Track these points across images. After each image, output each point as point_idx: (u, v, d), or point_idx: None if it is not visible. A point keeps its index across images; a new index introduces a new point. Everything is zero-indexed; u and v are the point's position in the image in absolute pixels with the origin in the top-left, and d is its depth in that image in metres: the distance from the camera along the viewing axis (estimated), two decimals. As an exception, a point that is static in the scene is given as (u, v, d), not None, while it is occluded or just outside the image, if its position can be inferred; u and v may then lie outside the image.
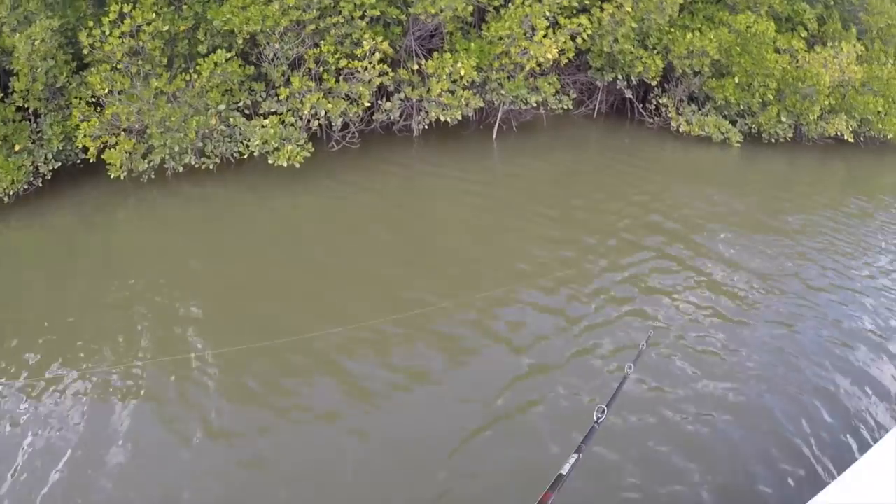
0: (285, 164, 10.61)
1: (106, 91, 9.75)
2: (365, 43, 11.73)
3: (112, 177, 9.70)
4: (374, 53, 11.89)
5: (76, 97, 10.03)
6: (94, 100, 10.08)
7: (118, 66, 9.84)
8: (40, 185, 10.01)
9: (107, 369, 6.43)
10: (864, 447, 6.54)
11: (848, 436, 6.87)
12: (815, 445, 6.53)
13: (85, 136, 9.64)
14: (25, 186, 9.76)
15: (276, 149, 10.64)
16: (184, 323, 7.26)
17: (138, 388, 6.22)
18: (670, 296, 9.15)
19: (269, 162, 10.64)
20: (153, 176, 10.15)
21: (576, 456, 1.29)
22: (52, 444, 5.63)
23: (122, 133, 9.89)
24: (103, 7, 10.22)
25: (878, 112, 18.96)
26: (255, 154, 10.68)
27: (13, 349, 6.84)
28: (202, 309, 7.56)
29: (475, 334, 7.70)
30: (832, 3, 20.10)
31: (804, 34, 18.75)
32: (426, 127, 13.96)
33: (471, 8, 13.47)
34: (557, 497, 1.02)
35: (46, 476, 5.29)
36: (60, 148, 9.82)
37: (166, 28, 10.09)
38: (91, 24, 9.68)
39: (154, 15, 9.85)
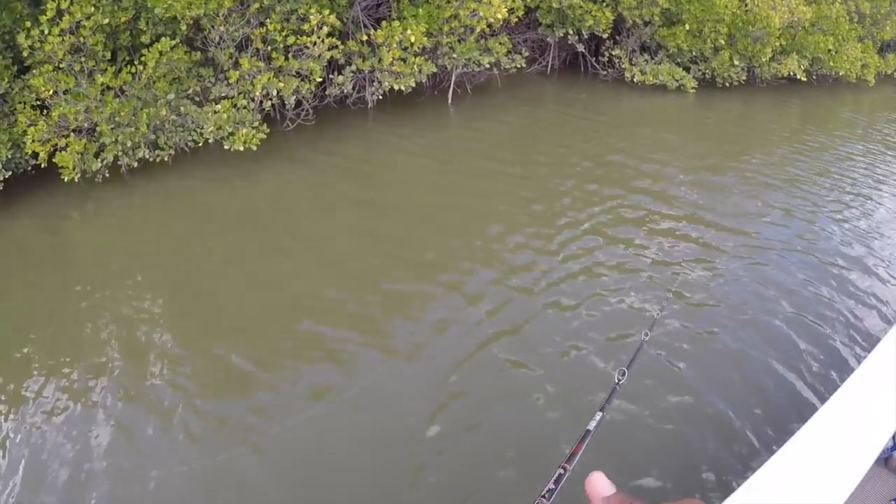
0: (241, 149, 10.47)
1: (51, 92, 9.48)
2: (312, 17, 11.53)
3: (66, 180, 9.45)
4: (321, 28, 11.69)
5: (20, 102, 9.71)
6: (38, 103, 9.77)
7: (61, 66, 9.56)
8: (-8, 196, 9.79)
9: (76, 378, 6.34)
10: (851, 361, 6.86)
11: (831, 354, 7.19)
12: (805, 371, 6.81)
13: (33, 141, 9.36)
14: (-24, 198, 9.53)
15: (231, 133, 10.49)
16: (151, 323, 7.17)
17: (108, 396, 6.14)
18: (637, 244, 9.33)
19: (225, 147, 10.49)
20: (107, 175, 9.94)
21: (601, 414, 1.39)
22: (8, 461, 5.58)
23: (72, 134, 9.64)
24: (39, 6, 9.91)
25: (829, 50, 19.14)
26: (210, 141, 10.51)
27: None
28: (170, 307, 7.48)
29: (450, 298, 7.81)
30: (777, -57, 20.02)
31: (750, -23, 18.70)
32: (380, 97, 13.87)
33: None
34: (586, 449, 1.17)
35: None
36: (9, 157, 9.47)
37: (106, 21, 9.80)
38: (29, 24, 9.38)
39: (93, 8, 9.56)
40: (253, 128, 10.69)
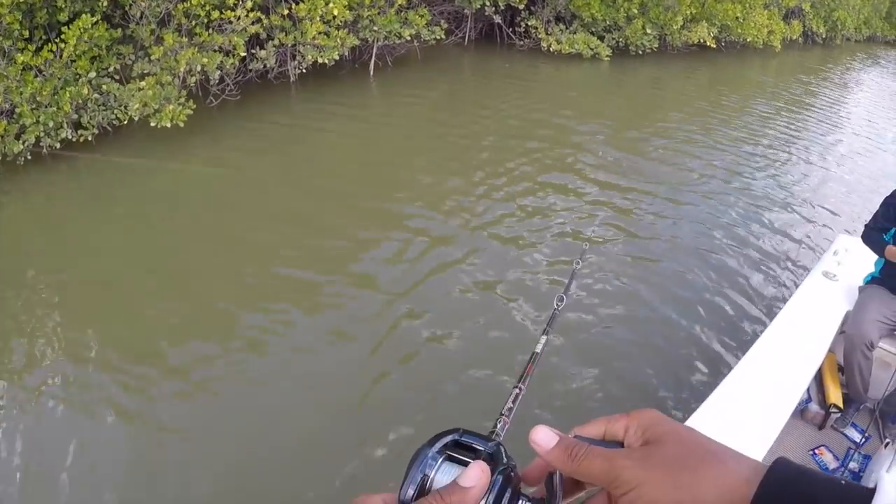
0: (169, 125, 10.27)
1: (-34, 73, 9.12)
2: (235, -9, 11.37)
3: None
4: (245, 1, 11.50)
5: None
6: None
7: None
8: None
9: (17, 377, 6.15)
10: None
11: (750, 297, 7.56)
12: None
13: None
14: None
15: (157, 111, 10.26)
16: (85, 315, 6.94)
17: (51, 391, 5.95)
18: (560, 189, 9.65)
19: (152, 125, 10.30)
20: (29, 157, 9.61)
21: (545, 338, 1.50)
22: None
23: (-6, 115, 9.30)
24: None
25: (737, 18, 19.77)
26: (136, 119, 10.27)
27: None
28: (100, 296, 7.23)
29: (383, 272, 7.84)
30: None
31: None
32: (303, 71, 13.73)
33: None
34: (535, 369, 1.30)
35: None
36: None
37: (19, -2, 9.43)
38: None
39: (8, -15, 9.21)
40: (179, 104, 10.49)
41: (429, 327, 6.79)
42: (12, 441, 5.24)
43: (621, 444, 0.77)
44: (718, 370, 6.08)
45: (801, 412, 5.02)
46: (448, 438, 0.81)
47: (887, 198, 5.10)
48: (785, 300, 6.35)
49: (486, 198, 9.77)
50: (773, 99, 17.80)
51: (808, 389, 4.89)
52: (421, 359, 6.35)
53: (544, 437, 0.78)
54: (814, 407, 5.04)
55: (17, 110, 9.42)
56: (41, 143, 9.76)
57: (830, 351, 4.94)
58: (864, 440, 4.95)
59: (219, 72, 11.65)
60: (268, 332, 6.65)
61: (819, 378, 5.13)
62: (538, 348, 1.43)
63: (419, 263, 7.97)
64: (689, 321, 6.96)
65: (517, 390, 1.14)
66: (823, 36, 29.02)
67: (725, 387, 4.04)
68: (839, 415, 4.98)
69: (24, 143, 9.41)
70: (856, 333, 4.70)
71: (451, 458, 0.78)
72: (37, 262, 7.74)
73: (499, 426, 1.01)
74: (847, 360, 4.83)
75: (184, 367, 6.16)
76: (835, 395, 4.93)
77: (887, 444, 4.69)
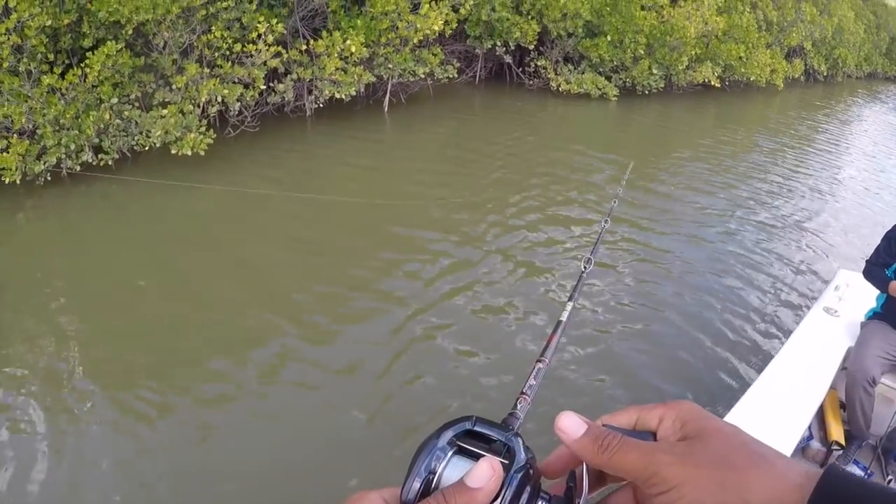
0: (189, 153, 10.21)
1: (-8, 93, 9.05)
2: (260, 25, 11.38)
3: (7, 181, 8.98)
4: (268, 35, 11.54)
5: None
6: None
7: (3, 65, 9.14)
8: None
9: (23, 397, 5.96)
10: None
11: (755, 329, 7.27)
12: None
13: None
14: None
15: (179, 139, 10.21)
16: (100, 334, 6.70)
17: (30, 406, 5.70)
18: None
19: (173, 152, 10.24)
20: (49, 178, 9.52)
21: (571, 304, 1.36)
22: None
23: (15, 135, 9.22)
24: None
25: (740, 57, 19.87)
26: (157, 145, 10.22)
27: None
28: (111, 318, 7.01)
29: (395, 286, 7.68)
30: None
31: (667, -10, 19.26)
32: (320, 106, 13.72)
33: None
34: (558, 340, 1.17)
35: None
36: None
37: (49, 23, 9.41)
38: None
39: (38, 9, 9.19)
40: (200, 133, 10.44)
41: (444, 340, 6.78)
42: (42, 454, 5.08)
43: (653, 437, 0.70)
44: (717, 410, 5.84)
45: (802, 450, 4.85)
46: (459, 427, 0.73)
47: (888, 232, 5.01)
48: (786, 336, 6.17)
49: (496, 226, 9.73)
50: (777, 135, 17.85)
51: (809, 427, 4.76)
52: (440, 366, 6.32)
53: (571, 425, 0.71)
54: (815, 444, 4.89)
55: (39, 131, 9.34)
56: (61, 165, 9.67)
57: (832, 387, 4.84)
58: (867, 477, 4.75)
59: (238, 103, 11.64)
60: (284, 350, 6.51)
61: (820, 415, 4.99)
62: (563, 316, 1.32)
63: (432, 285, 7.90)
64: (689, 359, 6.75)
65: (540, 365, 1.04)
66: (825, 73, 29.24)
67: None
68: (841, 452, 4.82)
69: (44, 163, 9.33)
70: (857, 369, 4.60)
71: (462, 451, 0.71)
72: (53, 281, 7.54)
73: (519, 407, 0.90)
74: (849, 396, 4.71)
75: (200, 384, 5.97)
76: (836, 433, 4.80)
77: (890, 480, 4.61)
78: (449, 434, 0.71)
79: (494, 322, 7.24)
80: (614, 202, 2.85)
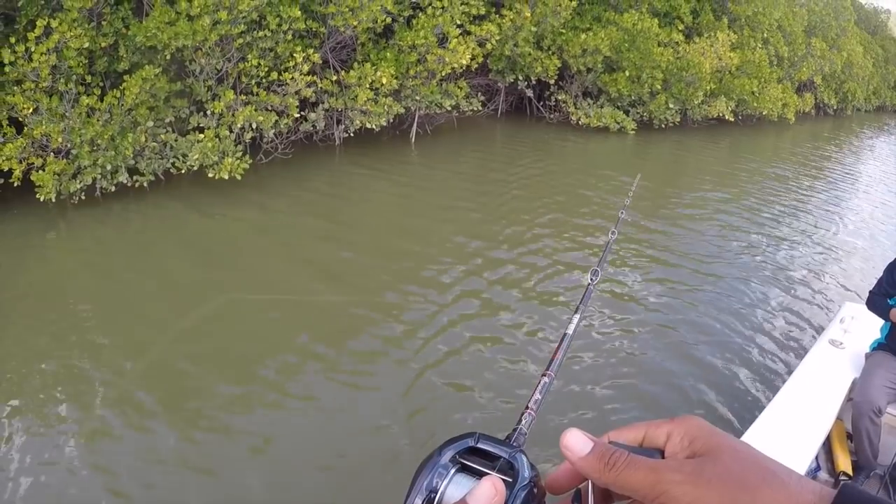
0: (226, 177, 9.96)
1: (30, 110, 8.79)
2: (296, 55, 11.20)
3: (42, 199, 8.70)
4: (304, 64, 11.37)
5: None
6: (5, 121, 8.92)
7: (42, 85, 8.90)
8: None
9: (30, 404, 5.54)
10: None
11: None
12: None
13: (9, 158, 8.59)
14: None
15: (216, 163, 9.98)
16: (127, 351, 6.26)
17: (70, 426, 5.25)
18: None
19: (210, 175, 9.92)
20: (83, 197, 9.25)
21: (577, 316, 1.25)
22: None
23: (52, 154, 8.97)
24: (11, 25, 9.21)
25: (753, 92, 19.72)
26: (195, 168, 9.97)
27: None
28: (143, 341, 6.68)
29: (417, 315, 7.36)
30: (704, -4, 20.64)
31: (681, 27, 19.16)
32: (350, 135, 13.51)
33: (388, 20, 13.09)
34: (565, 355, 1.07)
35: None
36: None
37: (86, 45, 9.17)
38: (14, 40, 8.70)
39: (79, 30, 8.97)
40: (236, 158, 10.21)
41: (452, 351, 6.56)
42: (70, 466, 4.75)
43: (661, 454, 0.67)
44: None
45: None
46: (461, 444, 0.69)
47: (891, 263, 4.92)
48: (792, 368, 6.00)
49: (512, 251, 9.44)
50: (787, 167, 17.60)
51: (816, 458, 4.67)
52: (447, 381, 6.03)
53: (577, 442, 0.67)
54: (823, 475, 4.75)
55: (74, 151, 9.05)
56: (96, 185, 9.38)
57: (838, 418, 4.73)
58: None
59: (272, 130, 11.43)
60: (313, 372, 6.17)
61: (828, 446, 4.87)
62: (570, 329, 1.19)
63: (449, 290, 7.78)
64: (694, 391, 6.37)
65: (545, 379, 0.97)
66: (835, 107, 29.10)
67: None
68: (849, 482, 4.50)
69: (80, 182, 9.02)
70: (863, 400, 4.50)
71: (464, 468, 0.68)
72: (83, 299, 7.14)
73: (524, 422, 0.85)
74: (855, 427, 4.59)
75: (226, 404, 5.57)
76: (844, 463, 4.69)
77: None
78: (451, 451, 0.69)
79: (500, 333, 6.96)
80: (622, 213, 2.73)
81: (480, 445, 0.69)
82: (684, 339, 7.36)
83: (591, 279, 1.80)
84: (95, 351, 6.22)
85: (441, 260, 8.95)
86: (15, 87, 8.78)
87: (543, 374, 0.99)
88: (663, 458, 0.66)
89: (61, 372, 5.86)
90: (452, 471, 0.67)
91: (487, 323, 7.29)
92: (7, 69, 8.58)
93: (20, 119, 8.87)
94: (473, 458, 0.69)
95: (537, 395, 0.94)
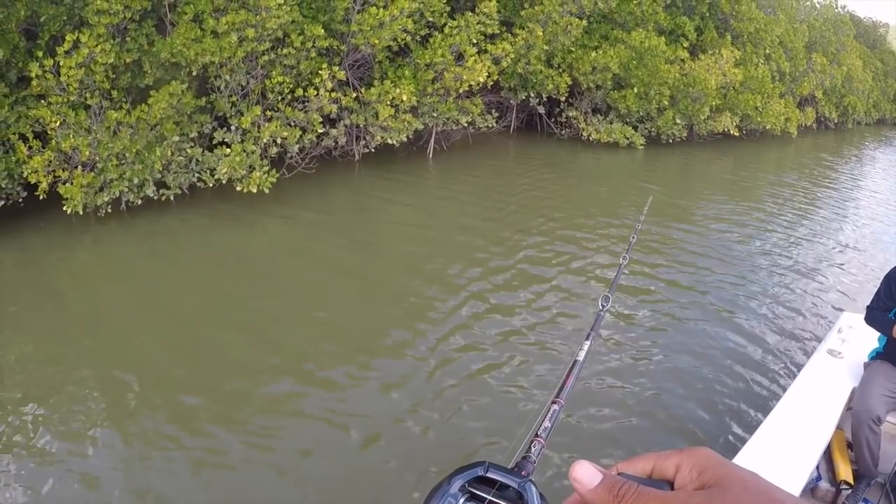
0: (255, 191, 9.71)
1: (57, 124, 8.58)
2: (322, 71, 11.01)
3: (69, 212, 8.29)
4: (328, 82, 11.19)
5: (14, 133, 8.45)
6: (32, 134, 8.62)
7: (69, 99, 8.70)
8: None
9: (57, 418, 5.26)
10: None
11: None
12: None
13: (37, 171, 8.30)
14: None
15: (244, 176, 9.77)
16: (151, 373, 5.90)
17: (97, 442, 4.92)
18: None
19: (238, 189, 9.65)
20: (109, 210, 9.02)
21: (588, 343, 1.30)
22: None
23: (79, 167, 8.75)
24: (34, 40, 8.92)
25: (756, 107, 19.59)
26: (223, 181, 9.76)
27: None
28: (164, 347, 6.32)
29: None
30: (707, 13, 20.45)
31: (686, 44, 19.04)
32: (371, 150, 13.33)
33: (407, 38, 12.94)
34: (575, 382, 1.11)
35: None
36: (2, 185, 8.24)
37: (110, 61, 8.97)
38: (41, 53, 8.49)
39: (108, 45, 8.78)
40: (264, 172, 10.01)
41: (460, 376, 6.20)
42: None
43: (671, 486, 0.63)
44: (725, 453, 5.19)
45: (811, 490, 4.62)
46: (471, 473, 0.68)
47: (888, 274, 4.77)
48: (791, 379, 5.79)
49: (527, 262, 9.24)
50: (791, 180, 17.32)
51: (817, 467, 4.59)
52: (452, 405, 5.71)
53: (586, 474, 0.64)
54: (824, 485, 4.62)
55: (100, 165, 8.79)
56: (122, 198, 9.15)
57: (839, 428, 4.66)
58: None
59: (297, 146, 11.24)
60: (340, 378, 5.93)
61: (828, 455, 4.76)
62: (580, 356, 1.23)
63: (455, 312, 7.44)
64: (697, 402, 6.12)
65: (555, 406, 0.99)
66: (836, 120, 28.86)
67: None
68: (850, 491, 4.57)
69: (107, 195, 8.78)
70: (862, 409, 4.42)
71: (473, 497, 0.67)
72: (108, 311, 6.86)
73: (533, 450, 0.84)
74: (855, 435, 4.51)
75: (250, 414, 5.30)
76: (845, 472, 4.57)
77: None
78: (460, 480, 0.67)
79: (509, 359, 6.54)
80: (633, 237, 2.63)
81: (490, 475, 0.69)
82: (683, 352, 7.07)
83: (602, 305, 1.79)
84: (122, 361, 5.93)
85: (455, 275, 8.67)
86: (40, 102, 8.61)
87: (553, 402, 0.99)
88: (672, 489, 0.63)
89: (90, 383, 5.57)
90: (462, 500, 0.67)
91: (500, 345, 6.89)
92: (33, 83, 8.41)
93: (46, 132, 8.70)
94: (483, 488, 0.68)
95: (546, 423, 0.94)
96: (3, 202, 8.45)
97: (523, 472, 0.71)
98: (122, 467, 4.63)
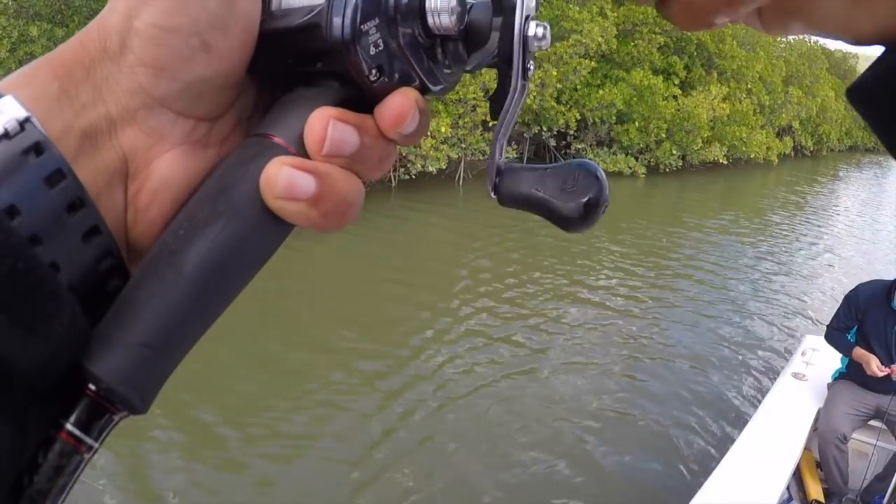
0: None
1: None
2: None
3: None
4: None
5: None
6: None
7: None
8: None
9: None
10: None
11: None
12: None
13: None
14: None
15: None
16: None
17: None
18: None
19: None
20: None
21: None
22: None
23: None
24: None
25: (742, 138, 19.62)
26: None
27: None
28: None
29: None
30: (695, 52, 20.65)
31: (677, 81, 19.19)
32: (412, 177, 13.26)
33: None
34: None
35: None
36: None
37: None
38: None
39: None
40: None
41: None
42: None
43: None
44: (696, 477, 4.89)
45: None
46: None
47: (848, 295, 4.63)
48: (758, 403, 5.41)
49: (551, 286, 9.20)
50: (770, 205, 17.67)
51: (787, 488, 4.34)
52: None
53: None
54: None
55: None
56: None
57: (807, 448, 4.53)
58: None
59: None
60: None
61: (798, 476, 4.58)
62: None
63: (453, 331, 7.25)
64: (664, 429, 5.73)
65: None
66: (811, 149, 29.20)
67: (705, 494, 3.57)
68: None
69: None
70: (828, 429, 4.32)
71: None
72: None
73: None
74: (823, 455, 4.39)
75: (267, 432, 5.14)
76: (815, 491, 4.42)
77: None
78: None
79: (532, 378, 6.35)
80: None
81: None
82: (649, 378, 6.70)
83: None
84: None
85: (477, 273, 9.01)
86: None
87: None
88: None
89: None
90: None
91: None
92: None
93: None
94: None
95: None
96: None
97: None
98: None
